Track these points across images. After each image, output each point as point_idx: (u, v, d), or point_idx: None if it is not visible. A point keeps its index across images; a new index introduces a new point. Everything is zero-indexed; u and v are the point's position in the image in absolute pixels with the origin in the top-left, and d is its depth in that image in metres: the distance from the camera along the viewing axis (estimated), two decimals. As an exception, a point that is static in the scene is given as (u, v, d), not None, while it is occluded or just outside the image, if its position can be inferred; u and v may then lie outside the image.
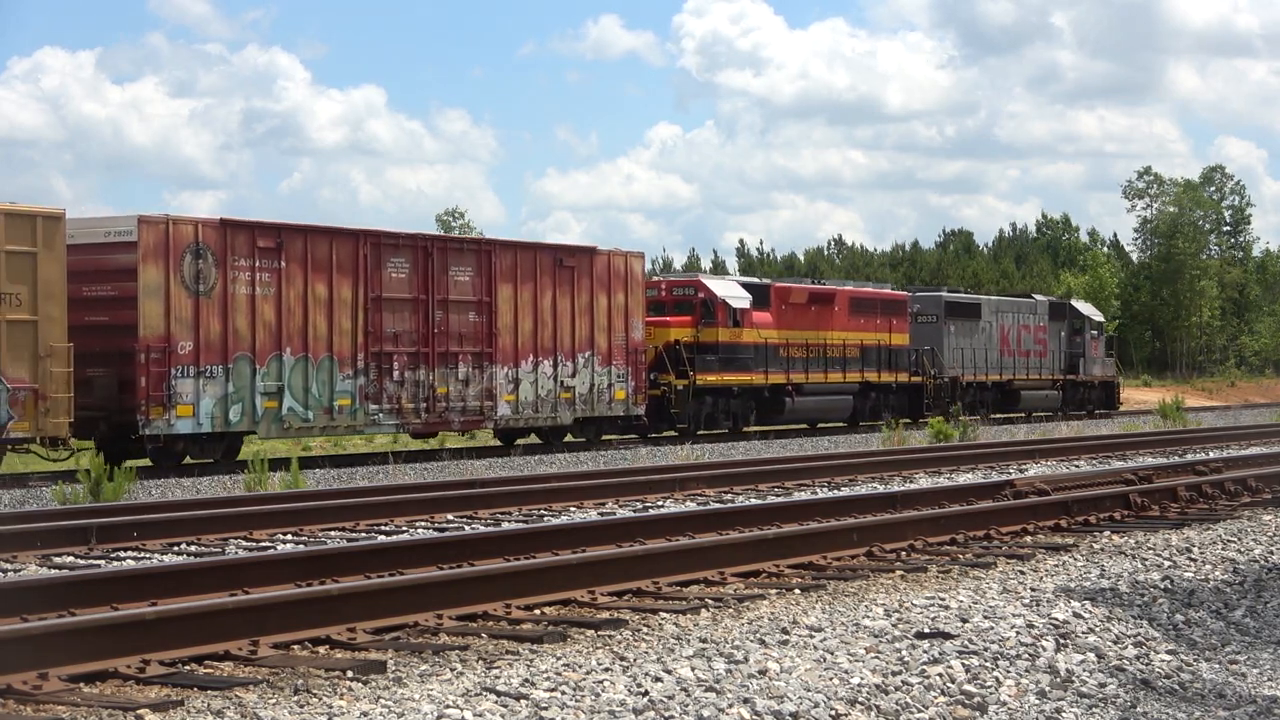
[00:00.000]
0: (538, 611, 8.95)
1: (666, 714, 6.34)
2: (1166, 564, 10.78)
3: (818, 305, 38.33)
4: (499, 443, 30.54)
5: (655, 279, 36.16)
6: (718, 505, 15.64)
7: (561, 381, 29.85)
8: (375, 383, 26.57)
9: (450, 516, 15.02)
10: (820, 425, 38.28)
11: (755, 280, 39.52)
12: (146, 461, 23.73)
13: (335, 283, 25.91)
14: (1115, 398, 51.46)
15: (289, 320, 25.26)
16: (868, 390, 39.58)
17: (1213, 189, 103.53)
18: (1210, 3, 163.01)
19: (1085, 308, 52.12)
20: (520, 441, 30.14)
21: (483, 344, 28.37)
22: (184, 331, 23.78)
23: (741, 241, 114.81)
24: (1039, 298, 50.93)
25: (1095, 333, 50.51)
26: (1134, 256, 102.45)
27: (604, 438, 31.71)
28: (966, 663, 7.39)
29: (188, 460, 24.29)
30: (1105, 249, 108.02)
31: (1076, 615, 8.62)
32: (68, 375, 21.87)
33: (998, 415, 43.92)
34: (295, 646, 7.83)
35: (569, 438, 30.74)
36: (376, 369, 26.57)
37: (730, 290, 35.93)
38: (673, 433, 33.80)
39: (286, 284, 25.19)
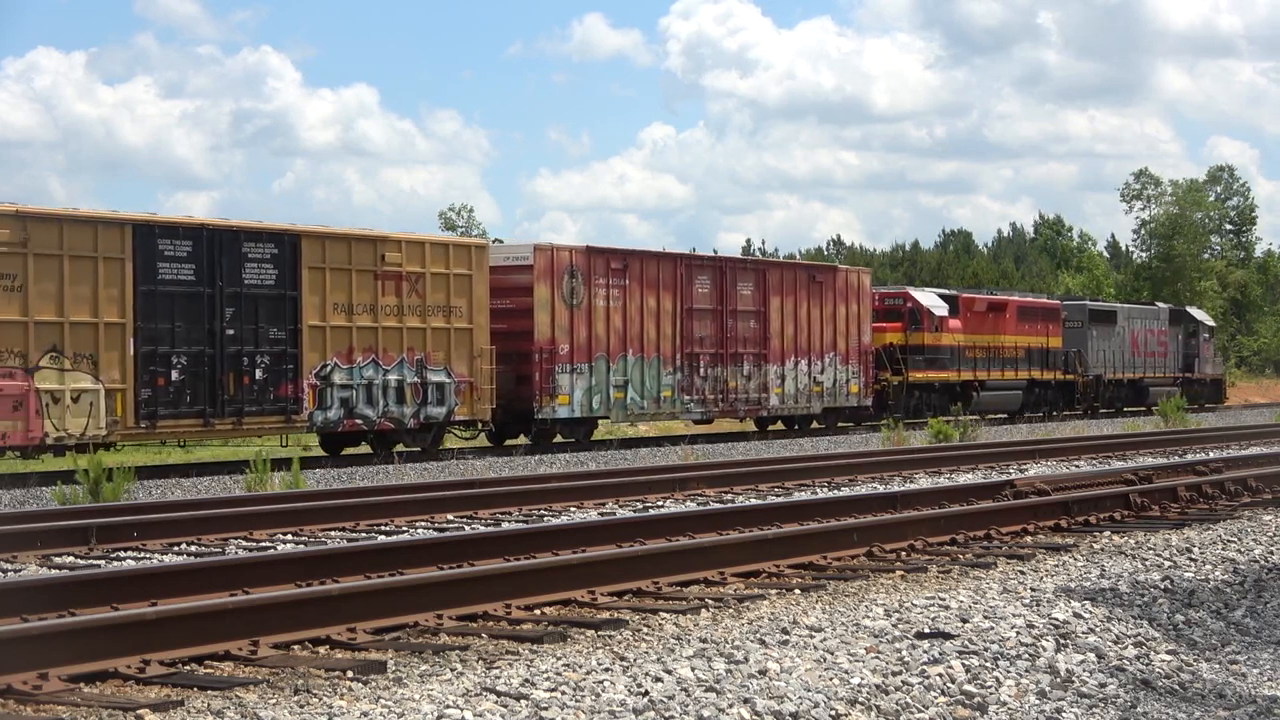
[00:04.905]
0: (538, 611, 8.95)
1: (667, 714, 6.34)
2: (1166, 564, 10.78)
3: (994, 313, 43.93)
4: (756, 429, 36.11)
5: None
6: (718, 505, 15.63)
7: (813, 377, 36.00)
8: (688, 378, 32.48)
9: (450, 516, 15.01)
10: (989, 415, 43.67)
11: (945, 290, 45.25)
12: (524, 440, 29.99)
13: (661, 297, 31.81)
14: (1223, 392, 57.89)
15: (630, 327, 31.03)
16: (1032, 386, 45.45)
17: (1219, 188, 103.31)
18: (1192, 4, 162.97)
19: (1199, 314, 58.38)
20: (770, 428, 36.04)
21: (759, 346, 34.37)
22: (563, 336, 29.44)
23: (748, 241, 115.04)
24: (1161, 305, 57.64)
25: (1207, 336, 57.12)
26: (1134, 257, 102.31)
27: (840, 424, 37.23)
28: (967, 663, 7.39)
29: (558, 439, 30.17)
30: (1100, 249, 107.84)
31: (1077, 615, 8.61)
32: (492, 371, 28.08)
33: (1128, 409, 49.65)
34: (295, 646, 7.83)
35: (814, 425, 36.54)
36: (688, 367, 32.51)
37: (931, 300, 41.73)
38: (887, 421, 38.05)
39: (629, 298, 31.01)
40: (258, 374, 24.66)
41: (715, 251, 55.93)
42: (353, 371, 25.94)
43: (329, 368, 25.62)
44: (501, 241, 34.29)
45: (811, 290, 35.96)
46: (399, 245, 26.88)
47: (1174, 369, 53.94)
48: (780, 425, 36.65)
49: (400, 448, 27.40)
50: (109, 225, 23.07)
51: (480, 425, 29.02)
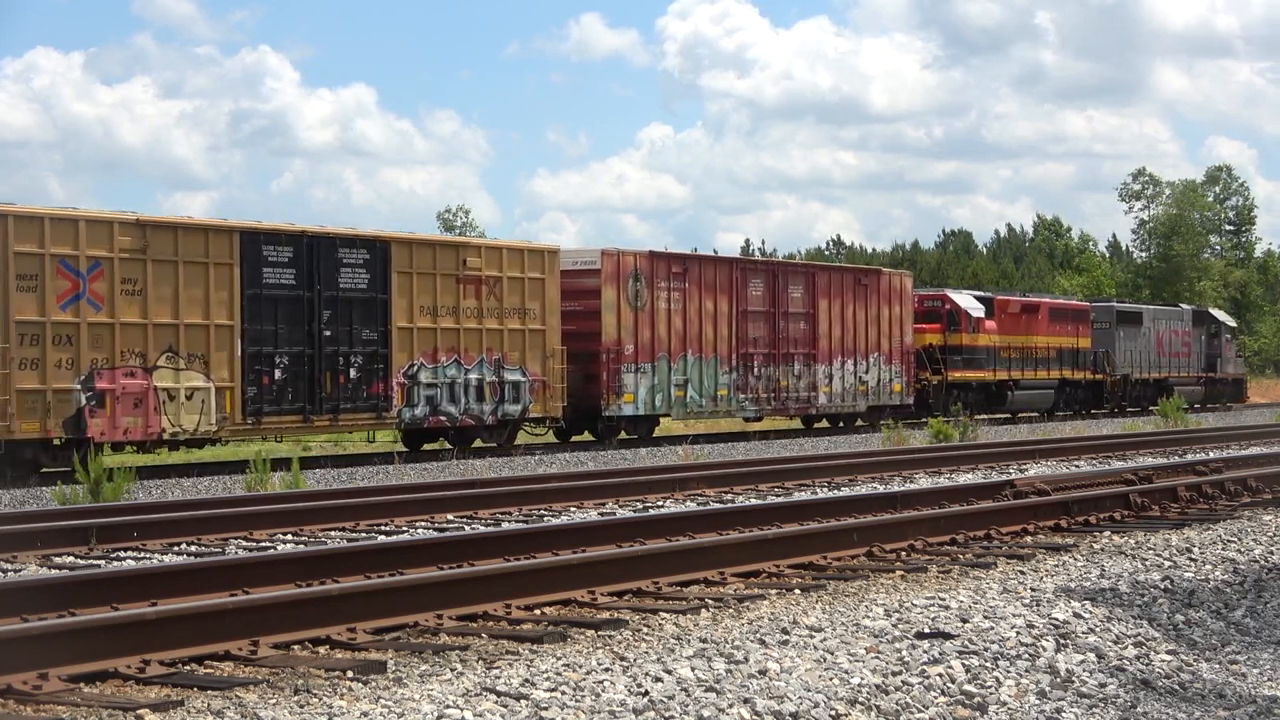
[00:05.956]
0: (538, 611, 8.95)
1: (667, 714, 6.34)
2: (1166, 564, 10.78)
3: (1027, 314, 45.15)
4: (801, 426, 37.56)
5: None
6: (718, 505, 15.63)
7: (859, 376, 37.29)
8: (742, 377, 33.78)
9: (450, 516, 15.01)
10: (1021, 414, 44.97)
11: (980, 293, 46.31)
12: (588, 437, 31.51)
13: (718, 299, 33.10)
14: (1244, 392, 59.44)
15: (690, 328, 32.34)
16: (1063, 386, 46.69)
17: (1218, 188, 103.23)
18: (1189, 4, 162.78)
19: (1221, 315, 59.61)
20: (816, 426, 37.36)
21: (809, 346, 35.70)
22: (628, 337, 30.76)
23: (747, 241, 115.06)
24: (1185, 307, 58.98)
25: (1229, 336, 58.50)
26: (1135, 257, 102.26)
27: (881, 422, 37.46)
28: (967, 663, 7.39)
29: (623, 435, 31.36)
30: (1098, 250, 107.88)
31: (1076, 615, 8.61)
32: (563, 370, 29.49)
33: (1153, 408, 50.69)
34: (295, 646, 7.83)
35: (859, 423, 37.79)
36: (743, 367, 33.80)
37: (968, 302, 42.96)
38: (926, 419, 38.87)
39: (689, 301, 32.31)
40: (352, 373, 26.17)
41: (715, 251, 56.04)
42: (437, 371, 27.46)
43: (416, 367, 27.12)
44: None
45: (857, 293, 37.23)
46: (479, 251, 28.57)
47: (1197, 369, 55.12)
48: (825, 423, 37.71)
49: (478, 443, 28.43)
50: (219, 232, 24.42)
51: (549, 422, 30.10)
